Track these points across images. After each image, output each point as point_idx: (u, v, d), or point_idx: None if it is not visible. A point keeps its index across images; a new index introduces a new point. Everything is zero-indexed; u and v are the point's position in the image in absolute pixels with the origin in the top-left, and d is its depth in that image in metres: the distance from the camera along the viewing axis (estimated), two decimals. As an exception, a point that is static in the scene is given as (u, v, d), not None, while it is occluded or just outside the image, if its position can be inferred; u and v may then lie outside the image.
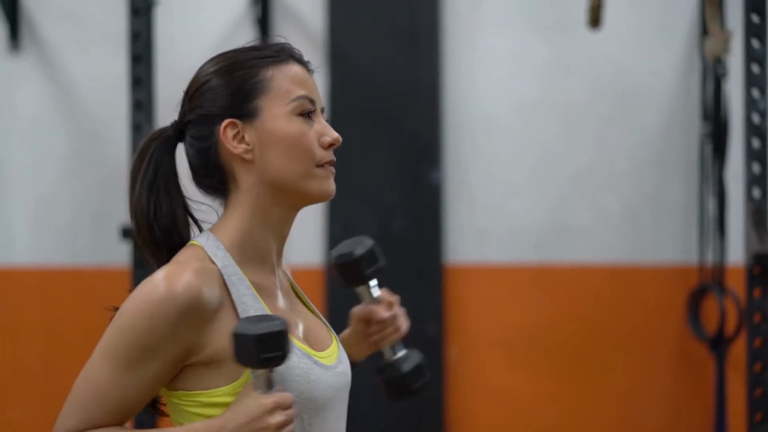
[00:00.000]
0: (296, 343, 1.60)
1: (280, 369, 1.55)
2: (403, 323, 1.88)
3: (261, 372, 1.52)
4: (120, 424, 1.58)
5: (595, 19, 3.32)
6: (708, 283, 3.93)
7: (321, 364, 1.63)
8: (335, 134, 1.66)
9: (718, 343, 3.88)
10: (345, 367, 1.70)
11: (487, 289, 4.16)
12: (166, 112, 4.92)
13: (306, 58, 1.68)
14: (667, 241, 4.09)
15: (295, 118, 1.63)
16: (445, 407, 4.12)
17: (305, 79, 1.65)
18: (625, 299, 4.11)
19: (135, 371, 1.54)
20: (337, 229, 4.16)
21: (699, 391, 4.04)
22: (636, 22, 4.09)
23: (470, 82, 4.17)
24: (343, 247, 1.81)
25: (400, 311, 1.88)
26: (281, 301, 1.66)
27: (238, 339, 1.50)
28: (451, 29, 4.16)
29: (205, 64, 1.67)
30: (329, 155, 1.65)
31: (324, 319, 1.75)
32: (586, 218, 4.11)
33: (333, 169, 1.66)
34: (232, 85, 1.62)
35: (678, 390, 4.07)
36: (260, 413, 1.51)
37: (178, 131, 1.66)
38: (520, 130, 4.15)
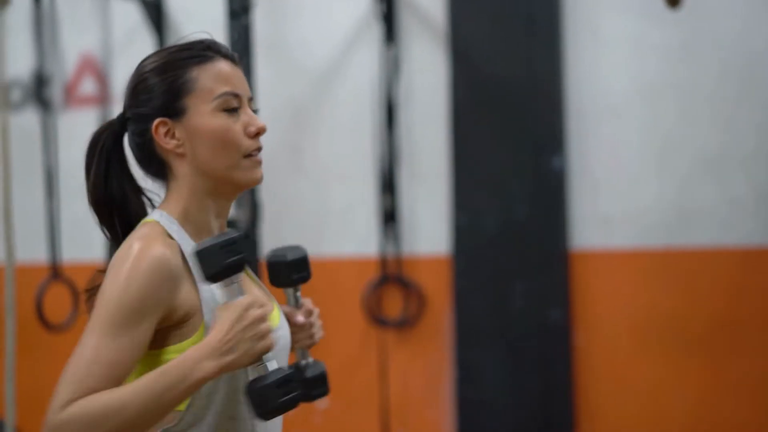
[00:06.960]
0: None
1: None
2: (318, 333, 1.96)
3: (232, 282, 1.66)
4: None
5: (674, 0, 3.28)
6: (840, 264, 3.80)
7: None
8: (260, 123, 1.80)
9: None
10: (285, 331, 1.85)
11: (613, 274, 4.14)
12: (294, 106, 5.07)
13: (233, 54, 1.82)
14: (795, 221, 3.96)
15: (219, 114, 1.78)
16: (572, 393, 4.12)
17: (230, 75, 1.80)
18: (755, 282, 3.99)
19: (128, 335, 1.68)
20: (462, 218, 4.22)
21: (837, 377, 3.90)
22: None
23: (591, 68, 4.15)
24: (279, 249, 1.91)
25: (317, 322, 1.97)
26: None
27: (203, 254, 1.64)
28: (570, 15, 4.16)
29: (145, 60, 1.83)
30: (256, 143, 1.80)
31: (266, 290, 1.89)
32: (714, 201, 4.02)
33: (260, 157, 1.81)
34: (163, 85, 1.78)
35: (814, 376, 3.94)
36: (241, 311, 1.65)
37: (122, 124, 1.84)
38: (643, 114, 4.11)
